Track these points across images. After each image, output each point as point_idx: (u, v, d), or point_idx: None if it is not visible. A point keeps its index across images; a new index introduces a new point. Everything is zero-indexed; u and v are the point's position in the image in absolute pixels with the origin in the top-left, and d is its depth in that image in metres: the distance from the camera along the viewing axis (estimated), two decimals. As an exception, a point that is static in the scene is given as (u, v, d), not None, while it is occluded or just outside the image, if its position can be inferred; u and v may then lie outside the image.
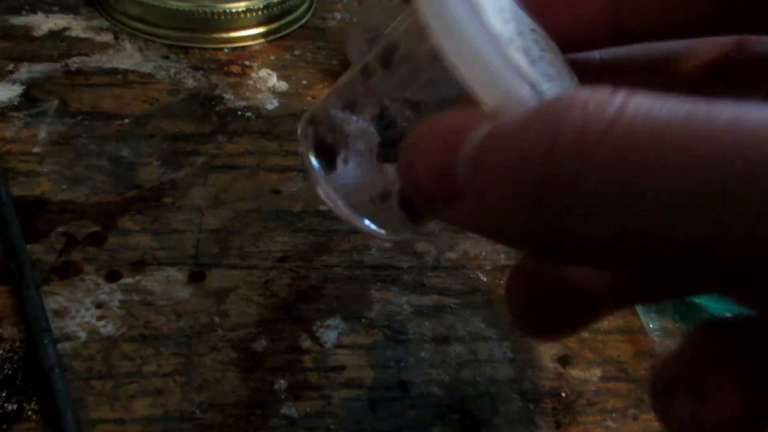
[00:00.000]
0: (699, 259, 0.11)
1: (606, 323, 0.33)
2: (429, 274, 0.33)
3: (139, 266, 0.31)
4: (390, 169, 0.18)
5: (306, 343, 0.29)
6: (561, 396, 0.30)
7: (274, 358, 0.28)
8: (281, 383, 0.27)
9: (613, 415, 0.29)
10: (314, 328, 0.30)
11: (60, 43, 0.43)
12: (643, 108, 0.11)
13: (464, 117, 0.13)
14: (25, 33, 0.44)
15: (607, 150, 0.11)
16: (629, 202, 0.11)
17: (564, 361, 0.31)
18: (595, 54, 0.18)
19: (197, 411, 0.26)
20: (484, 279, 0.33)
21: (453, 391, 0.28)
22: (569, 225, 0.11)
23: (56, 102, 0.39)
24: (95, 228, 0.32)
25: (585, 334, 0.32)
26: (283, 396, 0.27)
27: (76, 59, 0.42)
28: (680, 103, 0.11)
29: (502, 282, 0.33)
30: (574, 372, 0.30)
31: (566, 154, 0.11)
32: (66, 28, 0.45)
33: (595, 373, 0.31)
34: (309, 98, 0.42)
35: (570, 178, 0.11)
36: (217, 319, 0.29)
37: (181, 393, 0.27)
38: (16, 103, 0.38)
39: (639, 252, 0.11)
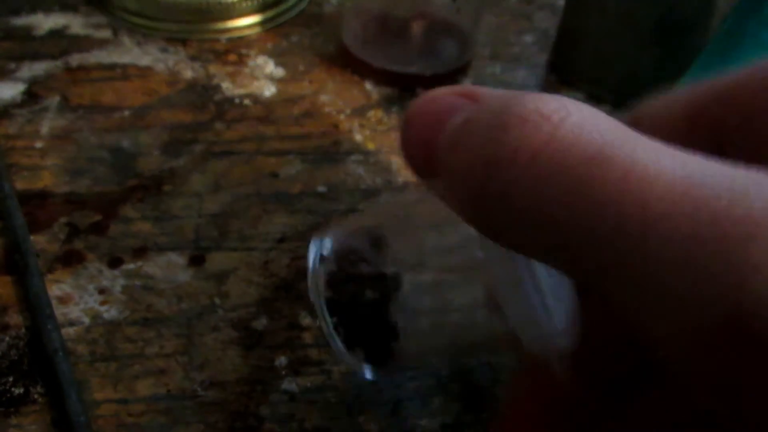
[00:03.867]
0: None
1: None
2: (428, 249, 0.33)
3: (140, 252, 0.31)
4: None
5: (306, 321, 0.29)
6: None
7: (274, 336, 0.29)
8: (282, 360, 0.28)
9: (617, 381, 0.29)
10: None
11: (60, 40, 0.44)
12: (572, 137, 0.12)
13: (450, 99, 0.14)
14: (26, 33, 0.44)
15: (529, 175, 0.12)
16: (540, 226, 0.12)
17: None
18: None
19: (199, 389, 0.26)
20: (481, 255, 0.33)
21: (453, 361, 0.28)
22: (500, 224, 0.13)
23: (57, 98, 0.39)
24: (97, 217, 0.33)
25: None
26: (283, 372, 0.27)
27: (76, 56, 0.43)
28: (612, 132, 0.12)
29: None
30: (576, 340, 0.30)
31: (499, 170, 0.12)
32: (66, 26, 0.45)
33: (598, 340, 0.30)
34: (307, 83, 0.43)
35: (499, 192, 0.12)
36: (217, 301, 0.30)
37: (183, 372, 0.27)
38: (18, 101, 0.39)
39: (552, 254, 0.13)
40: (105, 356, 0.27)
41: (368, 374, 0.24)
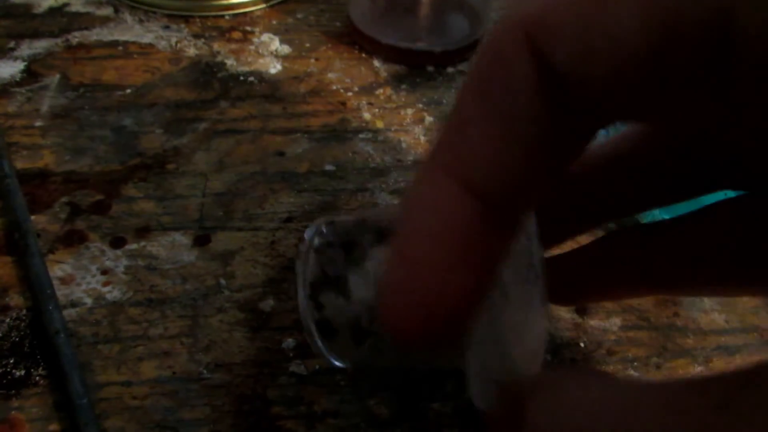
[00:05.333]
0: None
1: (625, 271, 0.31)
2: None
3: (143, 232, 0.30)
4: None
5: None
6: (580, 346, 0.29)
7: (281, 318, 0.28)
8: (289, 342, 0.27)
9: (635, 363, 0.28)
10: (322, 286, 0.29)
11: (60, 18, 0.43)
12: None
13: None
14: (26, 11, 0.43)
15: None
16: None
17: (582, 311, 0.30)
18: None
19: (205, 371, 0.26)
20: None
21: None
22: None
23: (58, 76, 0.38)
24: (99, 197, 0.32)
25: (603, 283, 0.31)
26: (291, 354, 0.26)
27: (76, 34, 0.42)
28: None
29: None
30: (593, 322, 0.29)
31: None
32: (66, 4, 0.44)
33: (615, 322, 0.29)
34: (312, 60, 0.41)
35: None
36: (223, 281, 0.29)
37: (188, 354, 0.26)
38: (18, 79, 0.38)
39: None
40: (108, 338, 0.26)
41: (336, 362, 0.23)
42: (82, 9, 0.44)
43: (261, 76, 0.40)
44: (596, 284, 0.21)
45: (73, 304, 0.27)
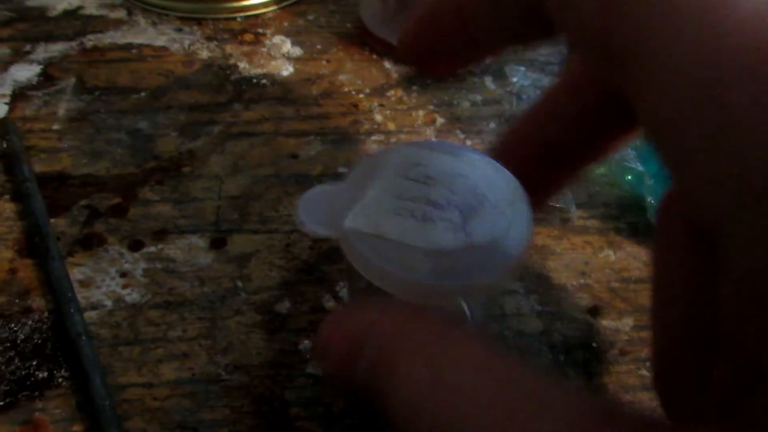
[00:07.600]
0: None
1: (637, 272, 0.32)
2: (452, 230, 0.32)
3: (161, 235, 0.31)
4: None
5: (329, 304, 0.29)
6: (592, 347, 0.29)
7: (297, 319, 0.28)
8: (306, 343, 0.27)
9: (648, 363, 0.28)
10: (337, 288, 0.29)
11: (75, 21, 0.43)
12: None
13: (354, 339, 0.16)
14: (41, 14, 0.44)
15: None
16: None
17: (594, 311, 0.30)
18: None
19: (223, 373, 0.26)
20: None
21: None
22: None
23: (73, 79, 0.39)
24: (117, 200, 0.32)
25: (615, 284, 0.31)
26: (308, 356, 0.27)
27: (91, 37, 0.42)
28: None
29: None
30: (605, 322, 0.30)
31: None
32: (80, 7, 0.45)
33: (627, 322, 0.30)
34: (324, 62, 0.42)
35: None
36: (239, 284, 0.29)
37: (207, 356, 0.27)
38: (34, 83, 0.38)
39: None
40: (128, 340, 0.27)
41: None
42: (95, 12, 0.44)
43: (273, 79, 0.40)
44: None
45: (94, 307, 0.28)
